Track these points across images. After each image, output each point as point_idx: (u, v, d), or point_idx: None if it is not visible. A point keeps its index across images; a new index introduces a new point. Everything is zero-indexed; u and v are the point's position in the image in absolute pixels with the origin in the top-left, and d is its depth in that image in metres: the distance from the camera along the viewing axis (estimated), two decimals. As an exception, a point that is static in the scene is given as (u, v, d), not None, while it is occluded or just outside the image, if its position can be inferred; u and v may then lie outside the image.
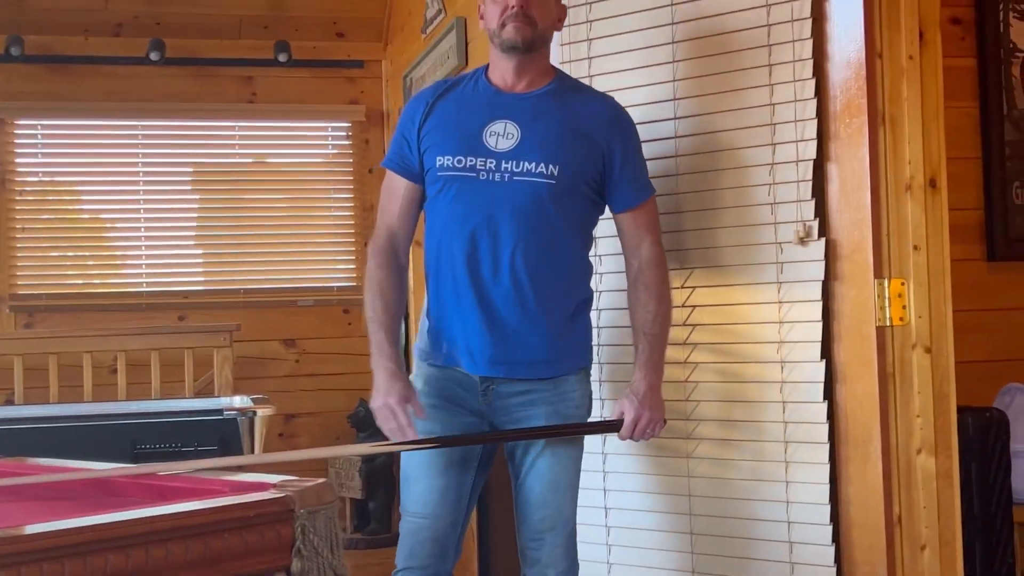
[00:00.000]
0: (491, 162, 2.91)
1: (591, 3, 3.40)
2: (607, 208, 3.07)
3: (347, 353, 7.07)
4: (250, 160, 7.20)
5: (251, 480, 2.11)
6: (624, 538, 3.35)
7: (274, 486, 1.96)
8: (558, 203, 2.92)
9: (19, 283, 6.73)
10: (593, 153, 2.97)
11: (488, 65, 3.08)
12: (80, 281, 7.06)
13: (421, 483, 2.98)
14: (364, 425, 6.76)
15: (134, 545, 1.65)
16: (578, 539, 3.06)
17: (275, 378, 6.80)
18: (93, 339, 5.64)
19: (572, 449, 3.00)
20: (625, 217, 3.02)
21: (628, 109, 3.22)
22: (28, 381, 5.67)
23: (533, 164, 2.90)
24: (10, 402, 5.76)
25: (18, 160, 6.81)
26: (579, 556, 3.06)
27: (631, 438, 2.92)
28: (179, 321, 6.69)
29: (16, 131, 6.77)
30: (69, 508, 2.06)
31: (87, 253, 7.12)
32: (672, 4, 3.26)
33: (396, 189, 3.08)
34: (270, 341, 6.91)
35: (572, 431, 3.00)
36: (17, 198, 6.78)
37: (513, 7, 2.87)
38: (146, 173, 6.95)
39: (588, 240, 3.11)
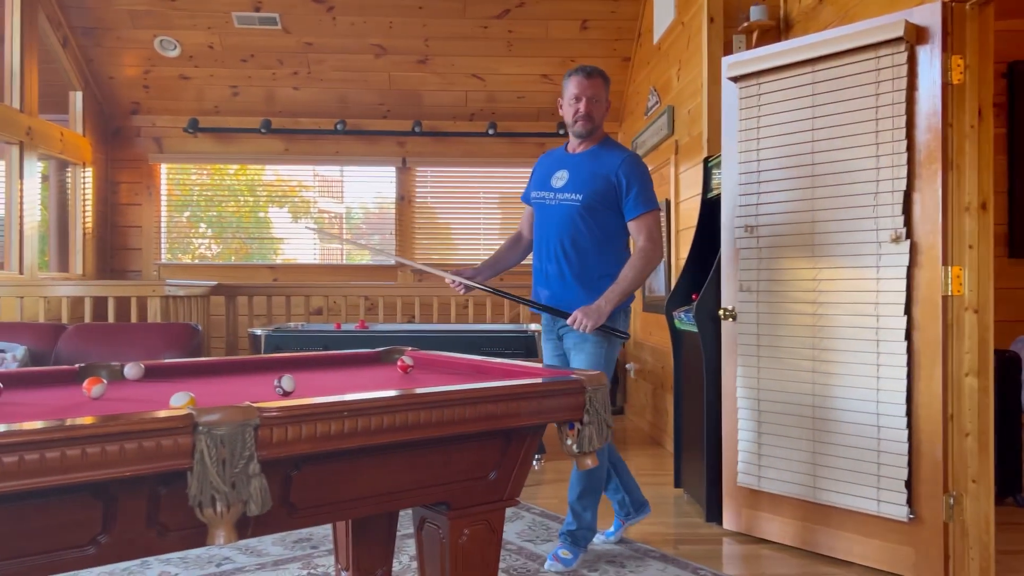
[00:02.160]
0: (551, 194, 2.98)
1: (761, 97, 3.27)
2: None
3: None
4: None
5: (562, 368, 2.13)
6: (772, 407, 3.25)
7: (573, 373, 1.98)
8: (583, 216, 2.91)
9: (416, 257, 7.06)
10: (607, 185, 2.90)
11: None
12: (446, 255, 7.30)
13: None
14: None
15: (498, 399, 1.71)
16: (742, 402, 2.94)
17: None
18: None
19: (594, 346, 2.90)
20: (630, 223, 2.95)
21: (778, 159, 3.09)
22: (422, 312, 5.96)
23: (569, 194, 2.92)
24: (411, 321, 6.06)
25: (417, 189, 7.12)
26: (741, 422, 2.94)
27: (569, 325, 2.82)
28: (500, 281, 6.84)
29: (417, 175, 7.10)
30: (460, 380, 2.11)
31: (456, 239, 7.36)
32: (813, 96, 3.10)
33: (526, 209, 3.21)
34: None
35: (551, 312, 2.92)
36: (415, 211, 7.10)
37: (580, 112, 2.91)
38: (487, 197, 7.14)
39: (613, 239, 2.96)
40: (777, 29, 4.08)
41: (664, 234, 5.20)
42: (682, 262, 4.24)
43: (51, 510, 1.27)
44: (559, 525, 3.42)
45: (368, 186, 7.25)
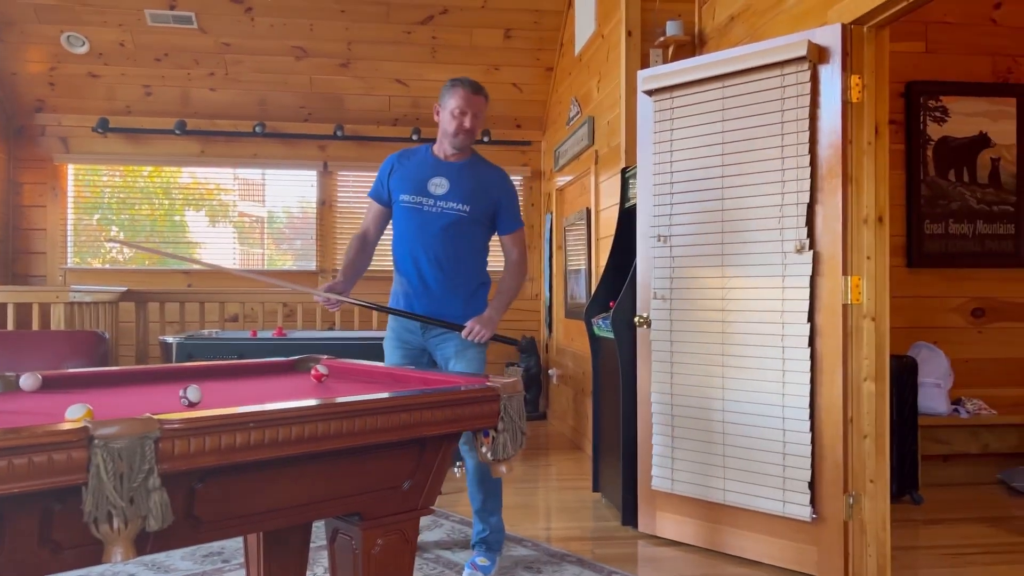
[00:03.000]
0: (430, 200, 2.95)
1: (674, 111, 3.37)
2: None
3: (520, 308, 7.14)
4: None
5: (476, 376, 2.14)
6: (684, 412, 3.34)
7: (489, 379, 1.99)
8: (468, 227, 2.95)
9: (337, 263, 6.95)
10: (489, 200, 2.98)
11: (435, 142, 3.05)
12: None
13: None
14: (525, 350, 6.85)
15: (413, 408, 1.71)
16: (656, 407, 2.99)
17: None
18: (377, 295, 5.76)
19: (478, 353, 2.95)
20: (504, 238, 3.06)
21: (690, 171, 3.19)
22: (343, 319, 5.85)
23: (456, 203, 2.94)
24: (332, 328, 5.93)
25: (339, 194, 7.02)
26: (656, 423, 2.99)
27: (467, 337, 2.86)
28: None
29: (339, 179, 7.01)
30: (376, 388, 2.09)
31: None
32: (723, 110, 3.21)
33: (372, 208, 3.12)
34: (473, 300, 6.98)
35: (443, 325, 2.90)
36: (337, 216, 7.00)
37: (465, 126, 2.92)
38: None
39: (484, 250, 3.05)
40: (692, 44, 4.20)
41: (586, 241, 5.28)
42: (602, 269, 4.32)
43: (-68, 530, 1.21)
44: (478, 532, 3.43)
45: (290, 189, 7.11)
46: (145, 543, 1.37)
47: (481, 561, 2.95)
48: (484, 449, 1.90)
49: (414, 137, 6.77)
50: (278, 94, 6.64)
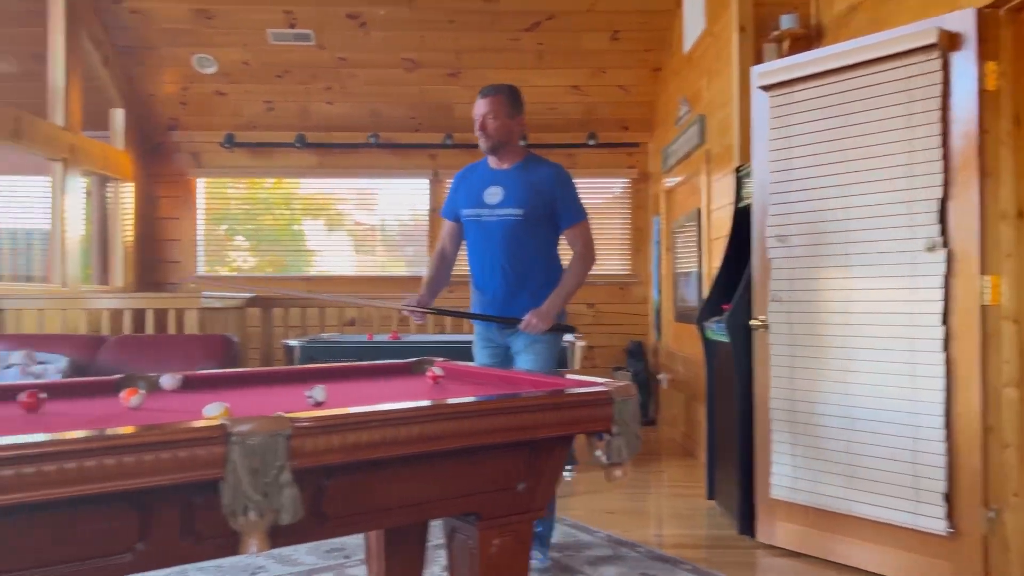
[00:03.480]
0: (487, 210, 3.02)
1: (792, 106, 3.25)
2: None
3: (624, 312, 7.07)
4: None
5: (590, 379, 2.12)
6: (805, 419, 3.20)
7: (603, 383, 1.97)
8: (525, 229, 2.99)
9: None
10: (544, 198, 2.99)
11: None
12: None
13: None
14: (633, 355, 6.77)
15: (525, 410, 1.72)
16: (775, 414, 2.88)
17: (582, 325, 6.88)
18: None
19: (545, 346, 3.01)
20: (566, 232, 3.07)
21: (810, 168, 3.06)
22: (454, 323, 5.95)
23: (511, 208, 2.98)
24: (444, 332, 6.05)
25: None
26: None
27: (523, 329, 2.93)
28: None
29: (448, 187, 7.13)
30: (489, 391, 2.11)
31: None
32: (845, 103, 3.07)
33: (446, 226, 3.25)
34: (580, 304, 6.99)
35: (498, 320, 3.01)
36: (446, 222, 7.12)
37: (481, 130, 3.00)
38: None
39: (550, 248, 3.09)
40: (808, 37, 4.04)
41: (697, 243, 5.17)
42: (714, 272, 4.21)
43: (89, 519, 1.30)
44: (588, 536, 3.41)
45: (401, 198, 7.31)
46: (278, 536, 1.43)
47: (536, 555, 3.00)
48: (598, 453, 1.88)
49: (521, 143, 6.80)
50: (390, 105, 6.83)
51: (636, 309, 7.08)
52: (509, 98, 3.03)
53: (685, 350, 5.60)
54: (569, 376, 2.25)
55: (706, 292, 4.54)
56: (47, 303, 5.10)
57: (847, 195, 3.06)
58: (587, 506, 3.97)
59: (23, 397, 1.68)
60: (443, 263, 3.24)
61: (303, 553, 3.15)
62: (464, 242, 3.21)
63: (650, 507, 4.11)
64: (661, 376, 6.42)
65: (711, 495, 3.98)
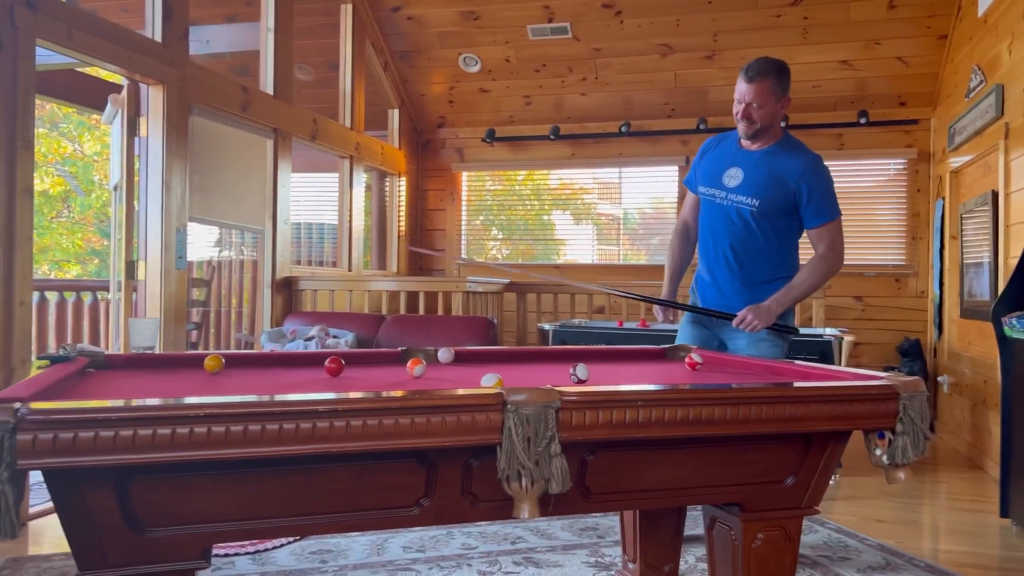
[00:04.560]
0: (722, 192, 2.81)
1: None
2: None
3: (898, 307, 6.45)
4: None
5: (871, 373, 1.95)
6: None
7: (885, 378, 1.81)
8: (758, 222, 2.76)
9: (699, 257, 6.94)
10: (786, 192, 2.72)
11: None
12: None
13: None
14: (907, 353, 6.15)
15: (801, 400, 1.61)
16: None
17: (848, 320, 6.40)
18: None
19: (770, 348, 2.78)
20: (811, 231, 2.79)
21: None
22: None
23: (745, 197, 2.76)
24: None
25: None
26: None
27: (737, 326, 2.72)
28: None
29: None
30: (753, 380, 2.01)
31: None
32: None
33: (689, 197, 3.05)
34: (846, 297, 6.51)
35: (713, 315, 2.82)
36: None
37: (742, 116, 2.73)
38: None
39: (785, 242, 2.82)
40: None
41: (991, 230, 4.58)
42: (1012, 262, 3.71)
43: (384, 472, 1.44)
44: (856, 543, 3.17)
45: (646, 187, 7.27)
46: (547, 505, 1.49)
47: None
48: (879, 452, 1.73)
49: (782, 124, 6.47)
50: (643, 93, 6.80)
51: (912, 303, 6.43)
52: (778, 81, 2.71)
53: (973, 350, 4.99)
54: (846, 369, 2.11)
55: (1002, 285, 4.00)
56: (337, 285, 5.74)
57: None
58: (853, 512, 3.68)
59: (328, 363, 1.90)
60: (686, 239, 3.06)
61: (558, 529, 3.25)
62: None
63: (927, 519, 3.72)
64: (942, 379, 5.78)
65: (1005, 513, 3.50)
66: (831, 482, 4.14)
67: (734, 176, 2.79)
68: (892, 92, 6.34)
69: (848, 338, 4.33)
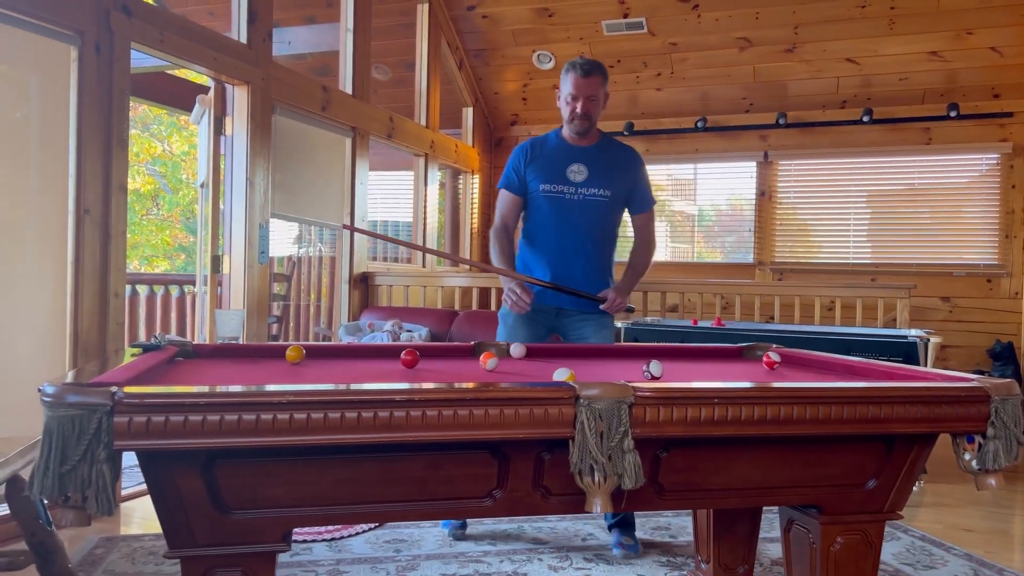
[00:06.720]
0: (571, 188, 2.90)
1: None
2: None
3: (989, 309, 6.15)
4: (921, 183, 6.48)
5: (960, 374, 1.87)
6: None
7: (975, 379, 1.73)
8: (611, 209, 2.94)
9: (776, 255, 6.79)
10: (626, 181, 2.94)
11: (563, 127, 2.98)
12: (808, 254, 6.89)
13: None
14: (999, 357, 5.87)
15: (884, 401, 1.56)
16: None
17: (934, 321, 6.14)
18: (820, 288, 5.49)
19: (611, 332, 3.01)
20: (638, 216, 3.04)
21: None
22: (782, 312, 5.68)
23: (597, 189, 2.90)
24: (770, 321, 5.81)
25: (779, 184, 6.83)
26: None
27: (606, 308, 2.88)
28: (871, 281, 6.28)
29: (779, 169, 6.80)
30: (833, 379, 1.96)
31: (819, 236, 6.91)
32: None
33: (507, 199, 3.02)
34: (932, 297, 6.24)
35: (583, 296, 2.87)
36: (776, 207, 6.81)
37: (578, 112, 2.83)
38: (858, 190, 6.60)
39: (617, 228, 3.06)
40: None
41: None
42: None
43: (458, 463, 1.45)
44: (942, 552, 3.04)
45: (721, 183, 7.13)
46: (620, 500, 1.48)
47: (627, 540, 2.91)
48: (968, 457, 1.66)
49: (864, 119, 6.26)
50: (720, 87, 6.67)
51: (1004, 305, 6.12)
52: (606, 78, 2.90)
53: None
54: (933, 370, 2.03)
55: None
56: (411, 281, 5.83)
57: None
58: (938, 520, 3.54)
59: (404, 355, 1.93)
60: (508, 237, 3.00)
61: (628, 527, 3.22)
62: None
63: (1018, 530, 3.54)
64: (1036, 383, 5.49)
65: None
66: (915, 488, 3.99)
67: (578, 171, 2.91)
68: (985, 83, 6.05)
69: (935, 339, 4.15)
